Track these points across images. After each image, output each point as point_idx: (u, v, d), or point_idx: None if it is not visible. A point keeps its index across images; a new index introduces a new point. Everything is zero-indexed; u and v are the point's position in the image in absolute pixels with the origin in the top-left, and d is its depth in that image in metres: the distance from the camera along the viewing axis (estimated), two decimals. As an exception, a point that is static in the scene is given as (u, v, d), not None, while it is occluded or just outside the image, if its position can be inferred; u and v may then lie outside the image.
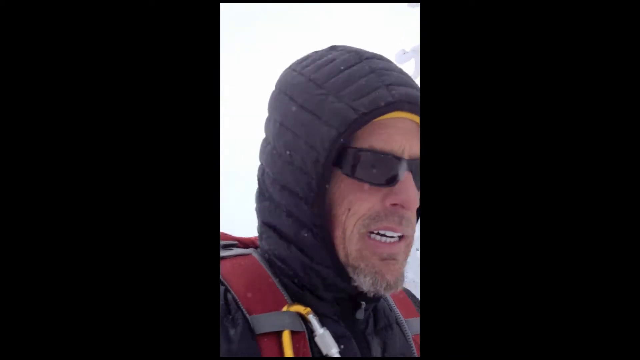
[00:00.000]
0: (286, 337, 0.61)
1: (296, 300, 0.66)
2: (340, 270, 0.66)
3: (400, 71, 0.68)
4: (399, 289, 0.66)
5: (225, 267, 0.68)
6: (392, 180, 0.63)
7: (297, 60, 0.72)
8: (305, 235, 0.65)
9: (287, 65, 0.74)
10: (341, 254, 0.65)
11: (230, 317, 0.62)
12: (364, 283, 0.64)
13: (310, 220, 0.64)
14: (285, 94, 0.68)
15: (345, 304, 0.70)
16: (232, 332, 0.60)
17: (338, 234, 0.65)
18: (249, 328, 0.61)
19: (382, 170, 0.63)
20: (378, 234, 0.64)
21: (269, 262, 0.70)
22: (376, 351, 0.69)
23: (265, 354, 0.60)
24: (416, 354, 0.73)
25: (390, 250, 0.65)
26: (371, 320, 0.72)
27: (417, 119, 0.64)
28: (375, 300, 0.71)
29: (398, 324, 0.75)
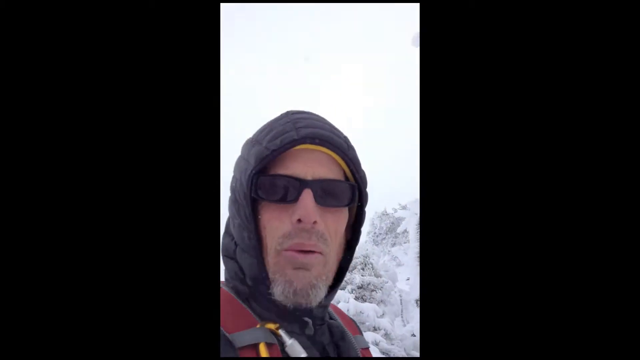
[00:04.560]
0: (263, 348, 0.69)
1: (264, 319, 0.74)
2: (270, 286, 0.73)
3: (317, 119, 0.80)
4: (311, 299, 0.72)
5: None
6: (293, 198, 0.73)
7: None
8: (246, 259, 0.75)
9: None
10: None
11: None
12: (276, 292, 0.71)
13: (248, 246, 0.75)
14: (240, 154, 0.84)
15: (299, 322, 0.77)
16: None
17: (265, 253, 0.74)
18: (229, 344, 0.68)
19: (283, 191, 0.73)
20: (291, 250, 0.72)
21: (235, 290, 0.79)
22: None
23: None
24: None
25: (303, 259, 0.71)
26: (327, 334, 0.82)
27: (324, 149, 0.77)
28: (314, 316, 0.78)
29: (347, 339, 0.85)
